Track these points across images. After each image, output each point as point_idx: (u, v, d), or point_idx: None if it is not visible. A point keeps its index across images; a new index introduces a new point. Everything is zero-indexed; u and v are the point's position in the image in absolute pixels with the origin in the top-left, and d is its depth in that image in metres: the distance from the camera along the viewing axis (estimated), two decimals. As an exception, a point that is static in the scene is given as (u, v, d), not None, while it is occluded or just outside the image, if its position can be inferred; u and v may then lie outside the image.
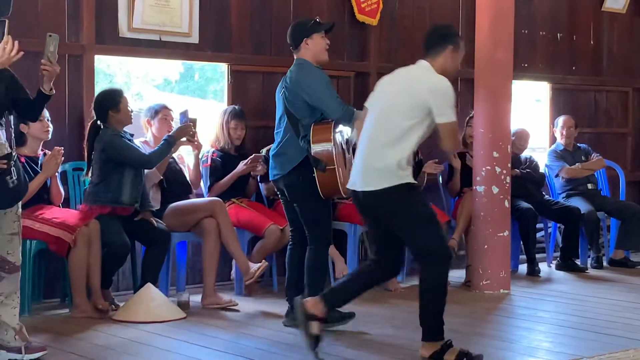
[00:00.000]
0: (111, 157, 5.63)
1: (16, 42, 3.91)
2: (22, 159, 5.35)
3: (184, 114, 5.97)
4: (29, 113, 4.53)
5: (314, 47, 5.18)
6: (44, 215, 5.53)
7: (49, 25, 5.77)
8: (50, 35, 4.37)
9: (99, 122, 5.71)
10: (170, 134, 5.86)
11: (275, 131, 5.30)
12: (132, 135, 5.84)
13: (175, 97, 14.19)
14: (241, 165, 6.37)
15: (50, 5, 6.01)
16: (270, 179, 5.41)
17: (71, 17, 6.10)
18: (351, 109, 5.10)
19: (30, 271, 5.46)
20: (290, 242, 5.39)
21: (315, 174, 5.04)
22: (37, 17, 5.94)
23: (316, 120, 5.10)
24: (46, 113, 5.52)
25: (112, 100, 5.71)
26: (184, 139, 5.96)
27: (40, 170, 5.59)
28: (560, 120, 8.18)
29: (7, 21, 3.91)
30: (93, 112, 5.76)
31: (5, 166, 4.10)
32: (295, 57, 5.26)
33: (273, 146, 5.30)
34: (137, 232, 5.78)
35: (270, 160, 5.29)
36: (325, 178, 5.01)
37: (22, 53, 3.98)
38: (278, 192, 5.39)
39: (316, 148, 5.01)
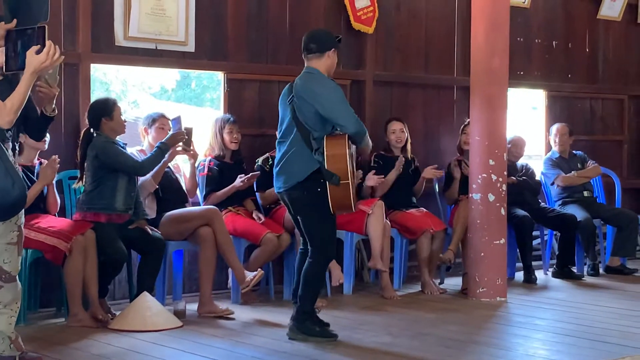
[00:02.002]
0: (104, 163, 5.62)
1: (57, 47, 3.91)
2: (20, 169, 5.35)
3: (176, 120, 5.95)
4: (36, 132, 4.56)
5: (332, 61, 5.20)
6: (39, 224, 5.52)
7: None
8: None
9: (91, 129, 5.71)
10: (162, 141, 5.85)
11: (279, 140, 5.22)
12: (125, 144, 5.83)
13: (172, 105, 14.22)
14: (238, 181, 6.35)
15: (46, 14, 6.01)
16: (275, 191, 5.34)
17: (67, 26, 6.10)
18: (364, 127, 5.10)
19: (26, 280, 5.45)
20: (301, 248, 5.35)
21: (320, 189, 4.99)
22: (33, 25, 5.93)
23: (327, 133, 5.04)
24: None
25: (105, 108, 5.71)
26: (179, 147, 5.96)
27: (37, 179, 5.59)
28: (554, 128, 8.19)
29: (46, 27, 3.91)
30: (86, 120, 5.76)
31: None
32: (306, 64, 5.20)
33: (277, 156, 5.22)
34: (132, 241, 5.78)
35: (274, 172, 5.23)
36: (338, 192, 4.95)
37: (63, 57, 3.97)
38: (284, 203, 5.34)
39: (331, 161, 4.94)
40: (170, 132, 5.92)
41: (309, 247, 5.17)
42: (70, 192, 6.02)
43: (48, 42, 3.87)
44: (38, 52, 3.86)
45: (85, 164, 5.69)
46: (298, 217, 5.19)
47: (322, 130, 5.04)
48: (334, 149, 4.97)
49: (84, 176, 5.71)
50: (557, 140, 8.10)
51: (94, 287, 5.52)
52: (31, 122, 4.37)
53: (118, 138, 5.79)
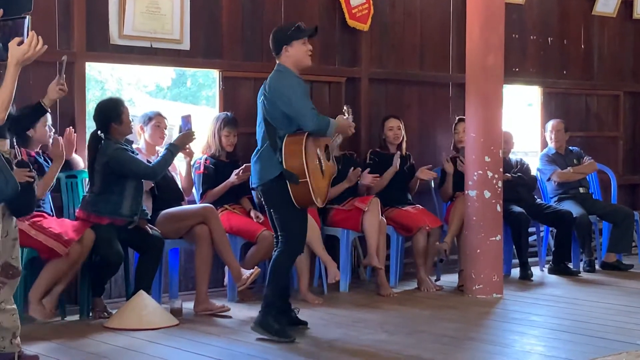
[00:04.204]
0: (115, 170, 5.62)
1: (40, 37, 3.90)
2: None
3: (185, 119, 5.90)
4: (18, 126, 4.71)
5: (295, 54, 5.18)
6: (41, 223, 5.50)
7: (39, 33, 5.70)
8: (63, 58, 5.11)
9: (99, 132, 5.70)
10: (172, 142, 5.83)
11: (258, 137, 5.26)
12: (131, 142, 5.85)
13: (167, 104, 14.20)
14: (233, 176, 6.36)
15: (41, 13, 5.98)
16: (251, 187, 5.41)
17: (62, 25, 6.09)
18: (326, 119, 5.10)
19: (22, 279, 5.42)
20: (276, 248, 5.38)
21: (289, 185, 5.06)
22: (27, 24, 5.92)
23: (291, 132, 5.07)
24: (48, 119, 5.66)
25: (114, 113, 5.69)
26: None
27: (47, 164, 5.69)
28: (550, 124, 8.21)
29: (29, 17, 3.91)
30: (94, 122, 5.75)
31: (32, 178, 4.17)
32: (277, 62, 5.25)
33: (254, 152, 5.27)
34: (131, 239, 5.77)
35: (252, 167, 5.28)
36: (298, 190, 5.01)
37: (46, 47, 3.97)
38: (257, 199, 5.38)
39: (288, 160, 5.00)
40: (180, 132, 5.89)
41: (279, 239, 5.20)
42: (68, 190, 6.01)
43: (31, 33, 3.86)
44: (20, 43, 3.86)
45: (95, 167, 5.68)
46: (270, 210, 5.21)
47: (287, 128, 5.08)
48: (290, 147, 5.02)
49: (94, 179, 5.70)
50: (552, 136, 8.12)
51: (61, 285, 5.55)
52: (14, 117, 4.45)
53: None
